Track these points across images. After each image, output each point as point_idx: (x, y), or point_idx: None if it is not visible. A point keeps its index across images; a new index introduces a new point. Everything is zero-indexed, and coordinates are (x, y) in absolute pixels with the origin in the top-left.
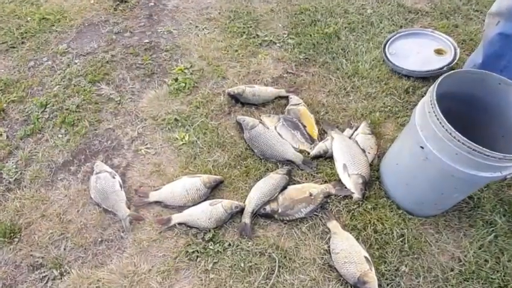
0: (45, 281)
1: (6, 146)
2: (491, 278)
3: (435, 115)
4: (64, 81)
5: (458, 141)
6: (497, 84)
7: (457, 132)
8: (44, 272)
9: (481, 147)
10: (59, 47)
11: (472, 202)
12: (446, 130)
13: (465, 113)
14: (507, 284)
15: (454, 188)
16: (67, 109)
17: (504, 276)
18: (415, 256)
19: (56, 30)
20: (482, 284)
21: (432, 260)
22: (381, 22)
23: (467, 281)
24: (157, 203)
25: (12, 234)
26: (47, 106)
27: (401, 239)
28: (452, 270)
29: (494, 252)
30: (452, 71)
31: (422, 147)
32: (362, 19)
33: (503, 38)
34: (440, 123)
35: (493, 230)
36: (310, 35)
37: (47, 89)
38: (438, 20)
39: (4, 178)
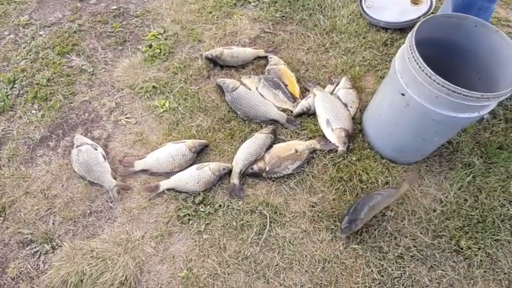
0: (37, 256)
1: None
2: (471, 215)
3: (415, 60)
4: (30, 55)
5: (438, 83)
6: (474, 26)
7: (436, 76)
8: (35, 247)
9: (460, 88)
10: (20, 18)
11: (451, 147)
12: (426, 74)
13: (443, 58)
14: (485, 219)
15: (434, 132)
16: (37, 84)
17: (482, 212)
18: (399, 201)
19: (15, 1)
20: (463, 221)
21: (416, 203)
22: None
23: (449, 220)
24: (143, 171)
25: None
26: (16, 82)
27: (386, 187)
28: (434, 211)
29: (473, 192)
30: (429, 16)
31: (403, 94)
32: None
33: None
34: (420, 67)
35: (471, 171)
36: None
37: (13, 64)
38: None
39: None
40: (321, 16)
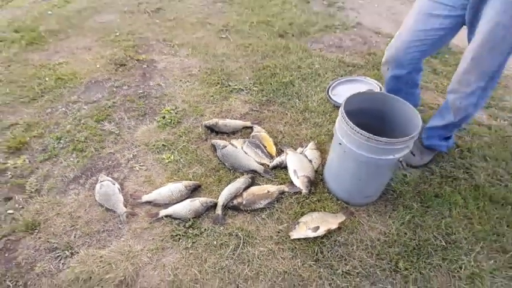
0: (59, 259)
1: (28, 167)
2: (408, 244)
3: (343, 118)
4: (74, 121)
5: (359, 133)
6: (392, 99)
7: (356, 127)
8: (58, 253)
9: (370, 134)
10: (71, 97)
11: (395, 194)
12: (351, 127)
13: (373, 123)
14: (420, 247)
15: (366, 173)
16: (77, 140)
17: (418, 242)
18: (350, 231)
19: (69, 86)
20: (402, 247)
21: (364, 234)
22: (326, 73)
23: (390, 247)
24: (148, 202)
25: (33, 227)
26: (61, 139)
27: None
28: (378, 240)
29: (412, 227)
30: (357, 92)
31: (340, 144)
32: (311, 72)
33: (395, 78)
34: (347, 123)
35: (411, 212)
36: (271, 84)
37: (61, 127)
38: (370, 71)
39: (27, 189)
40: (297, 100)
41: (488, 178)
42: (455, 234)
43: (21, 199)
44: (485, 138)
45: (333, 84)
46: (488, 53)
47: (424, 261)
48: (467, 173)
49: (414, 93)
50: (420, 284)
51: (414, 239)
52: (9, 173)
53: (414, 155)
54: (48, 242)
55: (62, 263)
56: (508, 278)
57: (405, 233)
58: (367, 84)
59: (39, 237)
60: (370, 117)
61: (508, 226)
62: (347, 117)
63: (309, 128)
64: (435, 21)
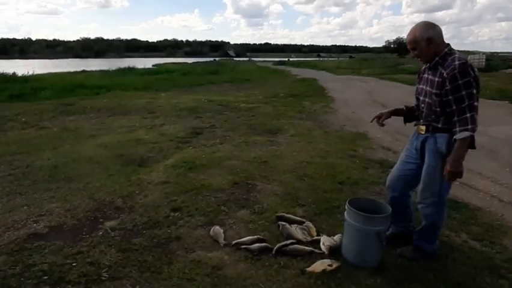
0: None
1: None
2: None
3: (347, 203)
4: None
5: (350, 209)
6: (378, 203)
7: (350, 207)
8: None
9: (354, 209)
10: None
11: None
12: (348, 206)
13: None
14: None
15: (356, 239)
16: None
17: None
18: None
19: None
20: None
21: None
22: None
23: None
24: None
25: None
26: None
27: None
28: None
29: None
30: (356, 198)
31: (344, 220)
32: None
33: (393, 199)
34: (348, 206)
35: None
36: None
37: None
38: None
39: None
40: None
41: None
42: None
43: None
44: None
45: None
46: (430, 181)
47: None
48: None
49: (406, 211)
50: None
51: None
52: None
53: (408, 249)
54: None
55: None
56: None
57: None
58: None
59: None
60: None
61: None
62: (348, 203)
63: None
64: (408, 165)
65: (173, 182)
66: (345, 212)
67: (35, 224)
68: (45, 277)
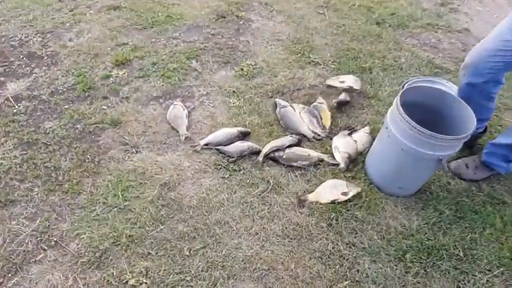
0: (126, 152)
1: (125, 79)
2: (424, 242)
3: (396, 103)
4: (170, 54)
5: (405, 120)
6: (450, 97)
7: (404, 114)
8: (127, 148)
9: (416, 124)
10: (173, 34)
11: (432, 196)
12: (400, 113)
13: (426, 119)
14: (435, 249)
15: (404, 163)
16: (167, 68)
17: (435, 243)
18: (370, 212)
19: (174, 24)
20: (416, 242)
21: (383, 219)
22: (409, 69)
23: (404, 239)
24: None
25: (116, 124)
26: (156, 64)
27: (364, 199)
28: (395, 229)
29: (434, 230)
30: (413, 86)
31: (386, 128)
32: (394, 64)
33: (470, 86)
34: (398, 109)
35: (439, 216)
36: (349, 65)
37: (158, 55)
38: (457, 78)
39: (120, 95)
40: (369, 86)
41: None
42: (477, 250)
43: (114, 100)
44: None
45: (412, 81)
46: None
47: (433, 262)
48: None
49: (487, 106)
50: (420, 279)
51: (431, 240)
52: (111, 79)
53: (467, 167)
54: (123, 137)
55: (128, 156)
56: None
57: (425, 233)
58: (446, 89)
59: (118, 132)
60: (425, 113)
61: None
62: (399, 103)
63: (370, 114)
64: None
65: (126, 8)
66: (389, 112)
67: None
68: None
